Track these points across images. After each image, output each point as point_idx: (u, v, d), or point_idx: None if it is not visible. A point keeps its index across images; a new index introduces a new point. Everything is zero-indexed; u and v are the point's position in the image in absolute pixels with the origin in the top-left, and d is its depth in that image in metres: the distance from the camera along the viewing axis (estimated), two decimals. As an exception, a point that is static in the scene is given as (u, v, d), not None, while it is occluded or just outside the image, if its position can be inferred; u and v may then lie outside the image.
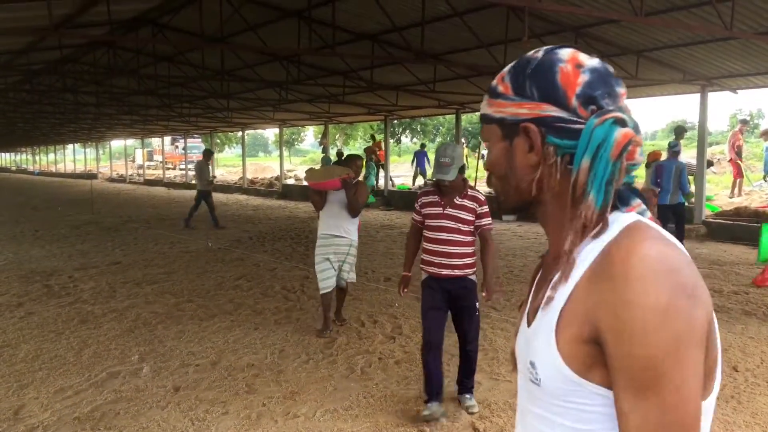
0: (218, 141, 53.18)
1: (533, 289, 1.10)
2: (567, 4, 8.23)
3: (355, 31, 11.56)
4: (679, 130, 13.09)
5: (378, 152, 19.46)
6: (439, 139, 57.17)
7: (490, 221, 4.07)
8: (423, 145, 26.51)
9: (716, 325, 0.94)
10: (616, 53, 10.80)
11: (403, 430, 3.88)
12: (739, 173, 15.48)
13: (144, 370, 4.94)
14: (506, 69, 1.04)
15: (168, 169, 44.19)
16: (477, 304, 4.12)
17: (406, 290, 4.37)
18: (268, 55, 13.63)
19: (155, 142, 52.26)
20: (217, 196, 24.94)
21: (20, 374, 4.87)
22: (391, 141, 55.59)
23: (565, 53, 1.00)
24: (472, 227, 4.02)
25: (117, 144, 52.90)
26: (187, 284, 8.17)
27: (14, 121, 30.27)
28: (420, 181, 21.72)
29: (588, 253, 0.95)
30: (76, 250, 11.32)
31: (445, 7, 9.47)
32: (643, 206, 1.03)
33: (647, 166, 10.37)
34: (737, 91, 12.21)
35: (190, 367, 5.02)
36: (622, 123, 0.94)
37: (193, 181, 21.74)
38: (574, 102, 0.96)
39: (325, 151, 23.01)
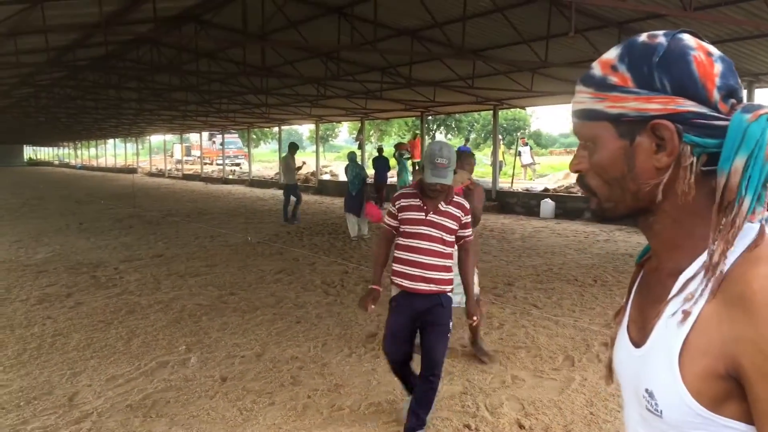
0: (254, 137, 53.80)
1: (632, 301, 1.03)
2: (612, -2, 8.10)
3: (395, 27, 11.55)
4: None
5: (411, 149, 19.46)
6: (473, 136, 56.85)
7: (471, 232, 3.72)
8: (467, 139, 26.52)
9: None
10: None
11: (449, 423, 3.89)
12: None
13: (191, 361, 5.05)
14: (611, 56, 0.92)
15: (205, 164, 44.97)
16: (451, 324, 3.68)
17: (373, 306, 3.69)
18: (309, 51, 13.73)
19: (193, 137, 53.16)
20: (254, 191, 25.29)
21: (73, 362, 5.02)
22: (427, 137, 55.85)
23: (691, 39, 0.90)
24: (454, 237, 3.63)
25: (156, 139, 53.97)
26: (228, 277, 8.31)
27: (58, 116, 31.11)
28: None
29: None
30: (119, 242, 11.59)
31: (486, 2, 9.41)
32: (766, 214, 0.94)
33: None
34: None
35: (235, 358, 5.11)
36: None
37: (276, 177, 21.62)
38: (715, 95, 0.86)
39: (361, 147, 23.09)
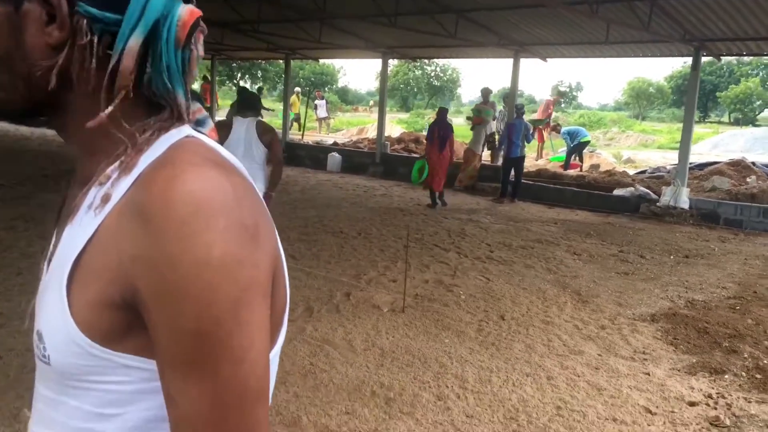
0: None
1: (57, 229, 0.82)
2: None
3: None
4: (486, 92, 13.78)
5: (203, 94, 18.43)
6: (280, 86, 55.87)
7: None
8: (260, 89, 25.63)
9: (284, 265, 0.79)
10: (438, 11, 10.94)
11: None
12: (541, 138, 16.92)
13: None
14: None
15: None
16: None
17: None
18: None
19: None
20: (21, 129, 22.31)
21: None
22: (228, 84, 53.57)
23: None
24: None
25: None
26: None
27: None
28: None
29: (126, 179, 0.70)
30: None
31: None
32: (205, 113, 0.82)
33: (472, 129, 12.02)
34: (546, 59, 12.98)
35: None
36: None
37: None
38: None
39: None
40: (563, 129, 16.15)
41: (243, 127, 5.02)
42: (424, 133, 13.60)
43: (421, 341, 4.50)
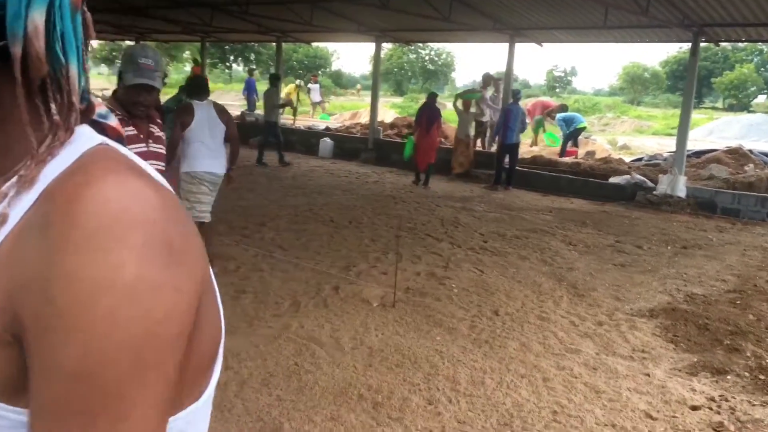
0: None
1: None
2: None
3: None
4: (487, 78, 13.57)
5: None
6: (273, 70, 55.31)
7: None
8: (251, 71, 25.23)
9: (216, 293, 0.63)
10: (431, -7, 10.67)
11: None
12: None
13: None
14: None
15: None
16: None
17: None
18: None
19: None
20: None
21: None
22: (221, 66, 52.98)
23: None
24: None
25: None
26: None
27: None
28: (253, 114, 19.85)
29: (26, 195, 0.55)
30: None
31: None
32: (105, 108, 0.66)
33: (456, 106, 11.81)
34: (542, 43, 12.73)
35: None
36: None
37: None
38: None
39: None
40: (558, 115, 15.92)
41: (203, 110, 5.21)
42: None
43: (412, 339, 4.31)
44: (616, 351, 4.36)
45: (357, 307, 4.86)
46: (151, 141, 2.87)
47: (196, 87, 5.52)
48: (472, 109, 12.70)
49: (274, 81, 13.47)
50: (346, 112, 24.52)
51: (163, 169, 2.97)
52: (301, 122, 19.85)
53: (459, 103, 12.61)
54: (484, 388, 3.67)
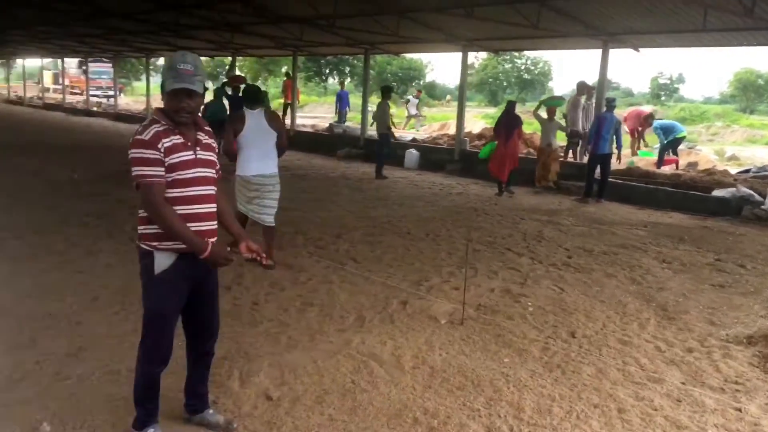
0: (132, 68, 50.26)
1: None
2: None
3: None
4: (581, 86, 13.03)
5: (285, 90, 18.45)
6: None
7: None
8: (342, 83, 25.62)
9: None
10: (518, 0, 10.35)
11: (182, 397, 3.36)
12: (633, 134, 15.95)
13: None
14: None
15: (75, 94, 41.36)
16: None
17: (229, 249, 2.94)
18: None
19: (70, 64, 48.72)
20: (118, 126, 23.36)
21: None
22: (316, 80, 54.26)
23: None
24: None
25: (34, 65, 48.89)
26: (25, 217, 7.38)
27: None
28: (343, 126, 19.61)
29: None
30: None
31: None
32: None
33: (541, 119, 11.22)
34: (639, 49, 12.06)
35: (-28, 315, 4.38)
36: None
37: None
38: None
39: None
40: (655, 123, 15.01)
41: (254, 118, 5.78)
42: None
43: (477, 360, 4.09)
44: (705, 381, 3.94)
45: (423, 324, 4.68)
46: (198, 148, 2.83)
47: (249, 96, 6.09)
48: (560, 119, 12.19)
49: (387, 93, 13.30)
50: (436, 123, 24.36)
51: (214, 176, 2.93)
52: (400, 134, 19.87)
53: (542, 111, 12.12)
54: (551, 417, 3.39)
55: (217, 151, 2.99)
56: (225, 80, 17.08)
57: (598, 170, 11.08)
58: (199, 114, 2.87)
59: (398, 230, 7.97)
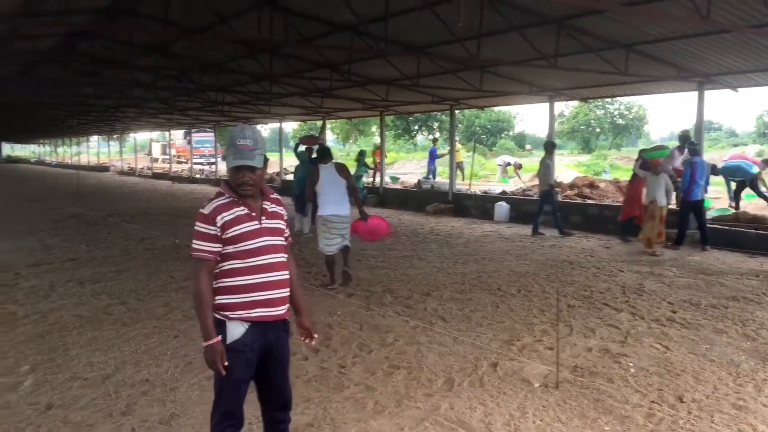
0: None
1: None
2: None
3: (331, 21, 11.07)
4: (685, 136, 12.25)
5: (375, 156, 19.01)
6: (456, 136, 56.47)
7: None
8: (435, 140, 25.82)
9: None
10: (604, 47, 10.16)
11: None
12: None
13: (26, 383, 4.53)
14: None
15: (181, 162, 44.24)
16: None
17: (227, 363, 2.78)
18: (246, 45, 13.22)
19: (176, 135, 52.35)
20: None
21: None
22: (405, 137, 55.18)
23: None
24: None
25: (143, 137, 53.14)
26: (131, 284, 7.77)
27: (15, 112, 30.06)
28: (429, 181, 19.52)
29: None
30: (42, 244, 11.01)
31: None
32: None
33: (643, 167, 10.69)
34: (738, 89, 11.46)
35: (77, 381, 4.58)
36: None
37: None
38: None
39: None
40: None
41: (326, 170, 7.45)
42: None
43: (575, 428, 3.84)
44: (839, 456, 3.50)
45: (516, 388, 4.48)
46: (264, 218, 2.89)
47: (322, 154, 7.79)
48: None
49: (550, 148, 12.85)
50: (525, 173, 24.01)
51: (283, 243, 2.98)
52: (478, 187, 19.77)
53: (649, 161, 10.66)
54: (658, 494, 3.10)
55: (285, 217, 3.04)
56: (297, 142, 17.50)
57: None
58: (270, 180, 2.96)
59: (488, 287, 7.79)
